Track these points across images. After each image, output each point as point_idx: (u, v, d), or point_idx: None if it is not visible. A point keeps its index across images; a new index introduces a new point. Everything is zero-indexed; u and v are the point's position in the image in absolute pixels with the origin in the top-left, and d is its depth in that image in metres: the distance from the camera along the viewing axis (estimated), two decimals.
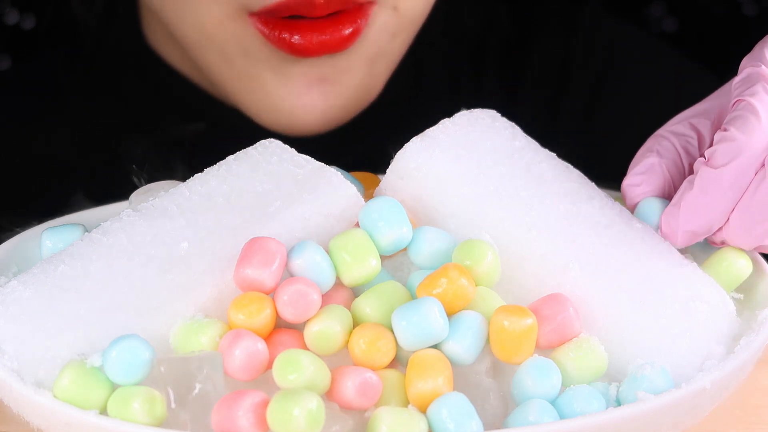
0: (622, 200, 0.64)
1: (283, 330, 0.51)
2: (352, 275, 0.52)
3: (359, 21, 0.69)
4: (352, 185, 0.55)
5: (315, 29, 0.68)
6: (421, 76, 0.85)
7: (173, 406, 0.48)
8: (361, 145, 0.77)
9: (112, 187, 0.66)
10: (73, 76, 0.86)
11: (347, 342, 0.51)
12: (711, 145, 0.57)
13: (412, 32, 0.74)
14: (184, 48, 0.75)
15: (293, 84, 0.71)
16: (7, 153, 0.84)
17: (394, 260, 0.56)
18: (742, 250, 0.58)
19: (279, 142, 0.58)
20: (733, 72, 0.63)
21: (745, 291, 0.59)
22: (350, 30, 0.69)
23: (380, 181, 0.57)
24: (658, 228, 0.58)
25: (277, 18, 0.68)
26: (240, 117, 0.78)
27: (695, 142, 0.60)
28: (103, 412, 0.50)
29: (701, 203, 0.56)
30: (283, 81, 0.71)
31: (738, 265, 0.58)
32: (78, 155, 0.83)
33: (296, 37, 0.68)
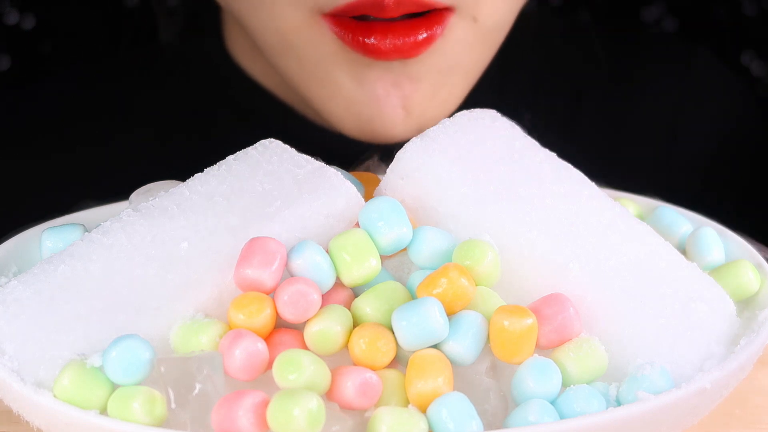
0: (623, 200, 0.64)
1: (283, 330, 0.51)
2: (352, 275, 0.52)
3: (435, 28, 0.68)
4: (352, 185, 0.55)
5: (389, 32, 0.67)
6: (504, 88, 0.85)
7: (173, 406, 0.48)
8: None
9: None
10: (147, 84, 0.86)
11: (347, 342, 0.51)
12: None
13: (493, 44, 0.73)
14: (266, 56, 0.74)
15: (370, 87, 0.70)
16: (67, 160, 0.84)
17: (394, 260, 0.56)
18: (751, 263, 0.59)
19: (279, 142, 0.58)
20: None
21: None
22: (424, 35, 0.67)
23: (380, 181, 0.57)
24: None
25: (352, 20, 0.68)
26: (320, 132, 0.78)
27: None
28: (103, 412, 0.50)
29: None
30: (360, 84, 0.70)
31: (746, 278, 0.58)
32: (153, 165, 0.83)
33: (371, 38, 0.67)
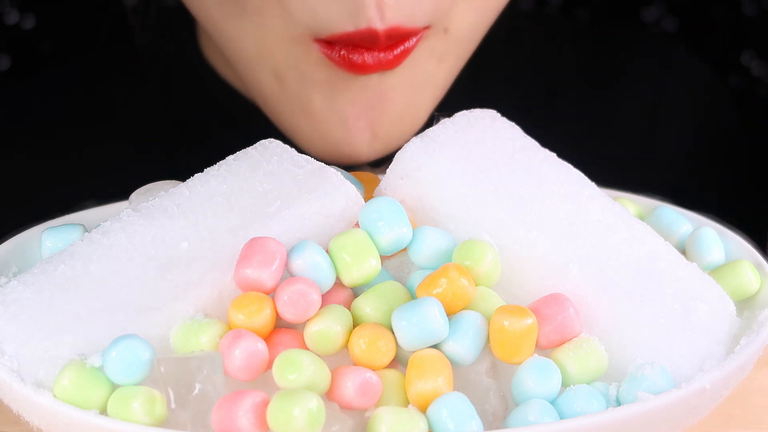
0: (623, 201, 0.64)
1: (283, 330, 0.51)
2: (352, 275, 0.52)
3: (410, 39, 0.68)
4: (352, 185, 0.55)
5: (373, 49, 0.68)
6: (476, 88, 0.85)
7: (173, 406, 0.48)
8: None
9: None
10: (125, 86, 0.86)
11: (347, 342, 0.51)
12: None
13: (463, 55, 0.73)
14: (236, 67, 0.74)
15: (342, 108, 0.70)
16: (54, 161, 0.84)
17: (394, 260, 0.56)
18: (751, 263, 0.59)
19: (279, 142, 0.58)
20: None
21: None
22: (402, 49, 0.68)
23: (380, 181, 0.57)
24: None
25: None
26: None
27: None
28: (103, 412, 0.50)
29: None
30: (332, 104, 0.70)
31: (746, 278, 0.58)
32: (128, 164, 0.83)
33: (355, 55, 0.67)
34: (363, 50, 0.67)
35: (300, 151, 0.70)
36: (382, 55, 0.67)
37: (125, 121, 0.86)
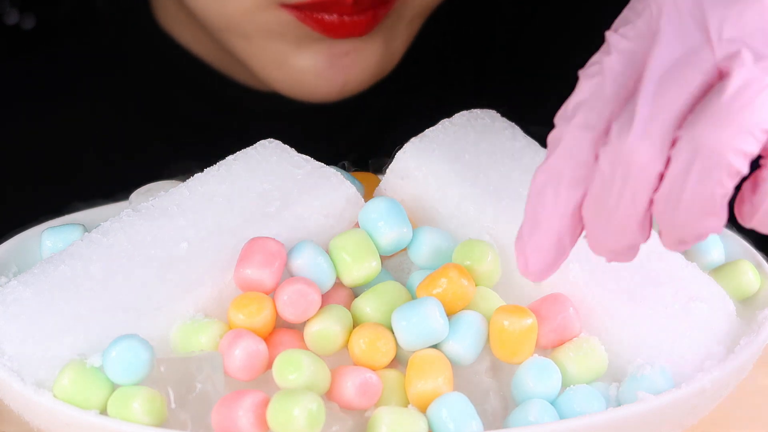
0: None
1: (283, 330, 0.51)
2: (352, 275, 0.52)
3: (381, 10, 0.71)
4: (352, 185, 0.55)
5: (344, 12, 0.70)
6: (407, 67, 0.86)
7: (173, 406, 0.48)
8: (358, 129, 0.81)
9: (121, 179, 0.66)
10: (82, 58, 0.86)
11: (347, 342, 0.51)
12: None
13: (428, 14, 0.77)
14: (208, 30, 0.76)
15: (315, 57, 0.73)
16: (17, 140, 0.84)
17: (394, 260, 0.56)
18: (751, 263, 0.59)
19: (278, 142, 0.58)
20: None
21: None
22: (371, 14, 0.71)
23: (380, 181, 0.57)
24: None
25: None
26: (252, 98, 0.79)
27: None
28: (103, 412, 0.50)
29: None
30: (305, 54, 0.73)
31: (746, 278, 0.58)
32: (88, 140, 0.83)
33: (326, 15, 0.70)
34: (332, 12, 0.70)
35: (269, 98, 0.71)
36: (349, 18, 0.70)
37: (85, 96, 0.85)
